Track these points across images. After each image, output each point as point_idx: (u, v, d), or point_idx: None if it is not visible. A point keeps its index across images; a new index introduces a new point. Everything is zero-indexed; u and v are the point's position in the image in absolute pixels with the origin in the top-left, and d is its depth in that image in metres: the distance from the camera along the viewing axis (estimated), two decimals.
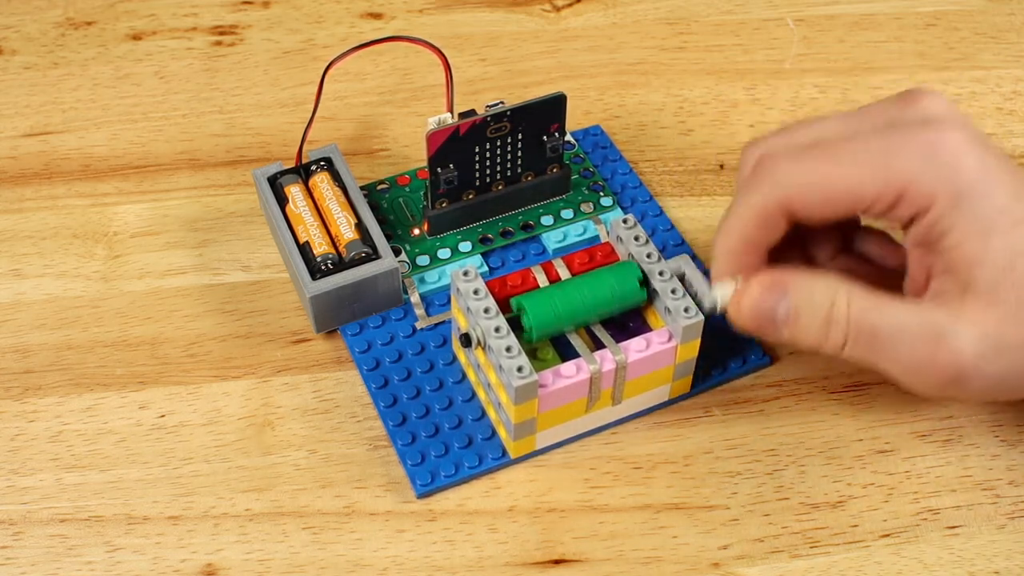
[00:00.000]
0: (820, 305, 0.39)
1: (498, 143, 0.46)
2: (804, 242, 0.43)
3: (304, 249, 0.45)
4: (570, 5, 0.60)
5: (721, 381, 0.45)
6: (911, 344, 0.38)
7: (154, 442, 0.43)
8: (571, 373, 0.40)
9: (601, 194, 0.50)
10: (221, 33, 0.58)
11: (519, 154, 0.47)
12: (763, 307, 0.39)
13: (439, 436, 0.43)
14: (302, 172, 0.47)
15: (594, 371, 0.40)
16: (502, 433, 0.42)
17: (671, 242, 0.49)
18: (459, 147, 0.45)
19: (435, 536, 0.41)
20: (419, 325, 0.46)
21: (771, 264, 0.41)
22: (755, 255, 0.40)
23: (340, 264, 0.45)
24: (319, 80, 0.48)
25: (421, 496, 0.42)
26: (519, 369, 0.39)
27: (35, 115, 0.55)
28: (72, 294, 0.48)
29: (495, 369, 0.40)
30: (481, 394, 0.43)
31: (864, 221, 0.43)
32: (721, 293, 0.40)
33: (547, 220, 0.49)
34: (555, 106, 0.46)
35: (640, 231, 0.42)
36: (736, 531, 0.41)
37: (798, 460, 0.43)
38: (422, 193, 0.49)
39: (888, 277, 0.42)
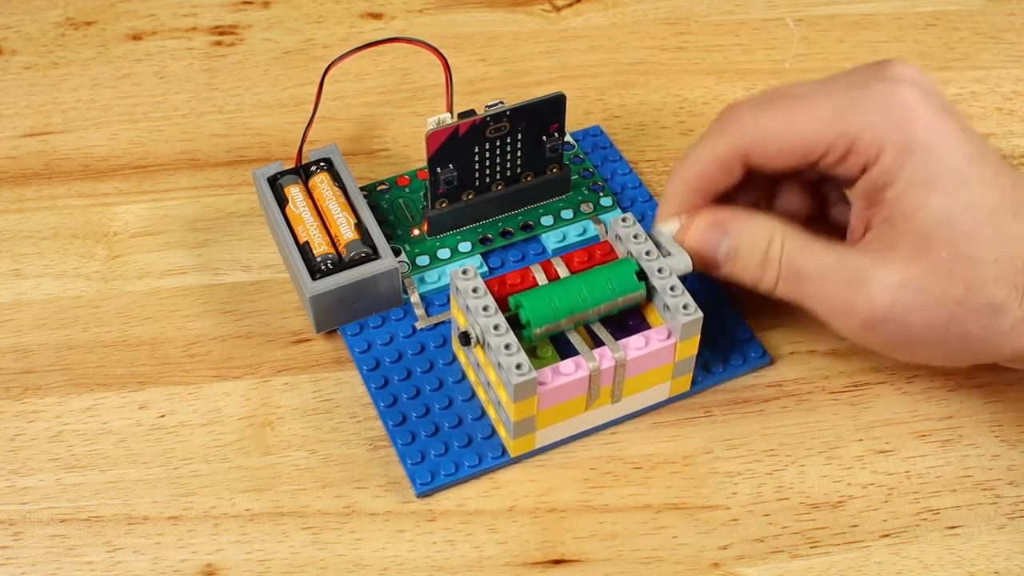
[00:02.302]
0: (757, 245, 0.40)
1: (498, 143, 0.46)
2: (772, 207, 0.45)
3: (304, 249, 0.45)
4: (570, 5, 0.60)
5: (721, 380, 0.45)
6: (832, 285, 0.39)
7: (154, 442, 0.43)
8: (570, 370, 0.40)
9: (601, 194, 0.50)
10: (221, 33, 0.58)
11: (519, 154, 0.47)
12: (705, 244, 0.41)
13: (439, 435, 0.43)
14: (302, 172, 0.47)
15: (593, 368, 0.40)
16: (502, 432, 0.42)
17: None
18: (459, 147, 0.45)
19: (435, 536, 0.41)
20: (419, 325, 0.46)
21: (715, 204, 0.42)
22: (705, 198, 0.42)
23: (340, 264, 0.45)
24: (319, 80, 0.48)
25: (421, 495, 0.42)
26: (518, 366, 0.39)
27: (35, 115, 0.55)
28: (72, 294, 0.48)
29: (494, 367, 0.40)
30: (481, 393, 0.43)
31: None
32: (667, 230, 0.42)
33: (547, 220, 0.49)
34: (555, 106, 0.46)
35: (639, 229, 0.42)
36: (736, 531, 0.41)
37: (798, 460, 0.43)
38: (422, 193, 0.49)
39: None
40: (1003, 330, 0.38)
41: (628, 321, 0.43)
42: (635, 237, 0.42)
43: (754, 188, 0.44)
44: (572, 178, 0.49)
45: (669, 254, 0.42)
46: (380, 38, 0.49)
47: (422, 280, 0.47)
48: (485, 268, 0.47)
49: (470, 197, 0.47)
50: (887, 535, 0.41)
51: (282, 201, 0.46)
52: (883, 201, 0.39)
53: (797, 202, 0.44)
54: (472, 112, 0.45)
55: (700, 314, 0.40)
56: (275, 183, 0.47)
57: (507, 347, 0.39)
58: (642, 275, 0.42)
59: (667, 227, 0.42)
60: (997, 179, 0.38)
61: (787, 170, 0.41)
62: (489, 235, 0.48)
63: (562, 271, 0.42)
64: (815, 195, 0.45)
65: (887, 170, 0.39)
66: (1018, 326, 0.38)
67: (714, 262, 0.41)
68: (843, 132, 0.39)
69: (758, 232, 0.40)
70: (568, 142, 0.51)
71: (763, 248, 0.40)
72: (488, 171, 0.47)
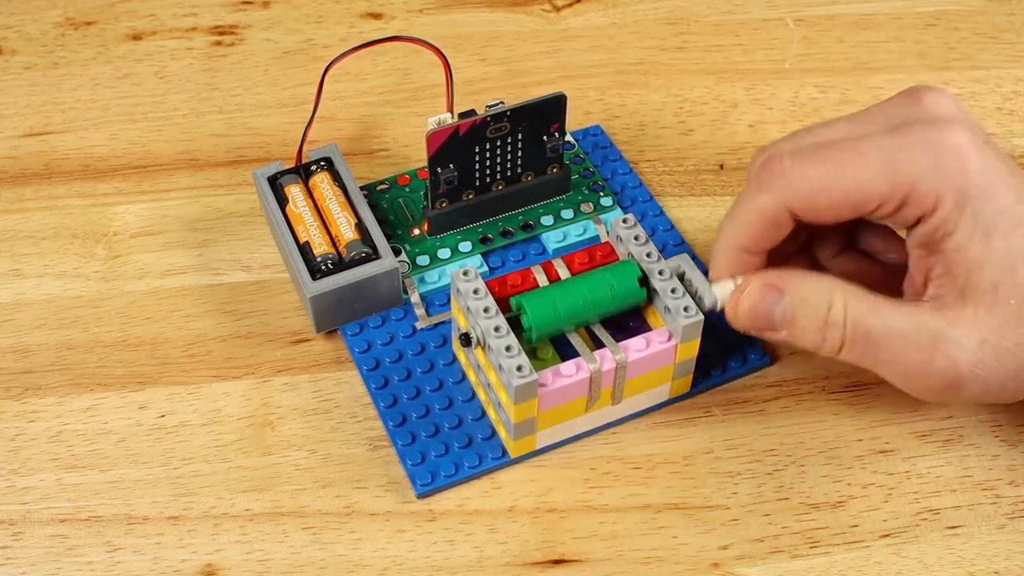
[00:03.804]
0: (817, 307, 0.39)
1: (498, 143, 0.46)
2: (807, 240, 0.43)
3: (304, 249, 0.45)
4: (570, 5, 0.60)
5: (721, 381, 0.45)
6: (907, 349, 0.38)
7: (154, 442, 0.43)
8: (571, 372, 0.40)
9: (601, 194, 0.50)
10: (221, 33, 0.58)
11: (519, 154, 0.47)
12: (760, 308, 0.39)
13: (439, 436, 0.43)
14: (302, 172, 0.47)
15: (594, 370, 0.40)
16: (502, 433, 0.42)
17: (671, 242, 0.49)
18: (459, 147, 0.45)
19: (435, 536, 0.41)
20: (419, 325, 0.46)
21: (771, 263, 0.41)
22: (756, 255, 0.41)
23: (340, 264, 0.45)
24: (319, 80, 0.48)
25: (421, 496, 0.42)
26: (519, 368, 0.39)
27: (35, 115, 0.55)
28: (72, 294, 0.48)
29: (495, 369, 0.40)
30: (481, 394, 0.43)
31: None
32: (720, 292, 0.40)
33: (547, 220, 0.49)
34: (555, 106, 0.46)
35: (640, 231, 0.42)
36: (736, 531, 0.41)
37: (798, 460, 0.43)
38: (422, 193, 0.49)
39: (890, 274, 0.42)
40: None
41: (629, 323, 0.43)
42: (636, 238, 0.42)
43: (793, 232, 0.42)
44: (572, 178, 0.49)
45: (696, 291, 0.41)
46: (380, 37, 0.49)
47: (422, 280, 0.47)
48: (485, 268, 0.47)
49: (470, 197, 0.47)
50: (887, 535, 0.41)
51: (282, 201, 0.46)
52: (944, 251, 0.38)
53: (830, 238, 0.43)
54: (472, 112, 0.45)
55: (701, 316, 0.40)
56: (275, 183, 0.47)
57: (508, 349, 0.39)
58: (643, 277, 0.42)
59: (721, 290, 0.41)
60: None
61: (837, 222, 0.40)
62: (489, 235, 0.48)
63: (563, 272, 0.42)
64: (845, 227, 0.43)
65: (947, 219, 0.37)
66: None
67: (770, 327, 0.39)
68: (897, 184, 0.38)
69: (818, 294, 0.39)
70: (568, 142, 0.51)
71: (824, 311, 0.38)
72: (488, 171, 0.47)
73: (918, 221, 0.38)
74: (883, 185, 0.38)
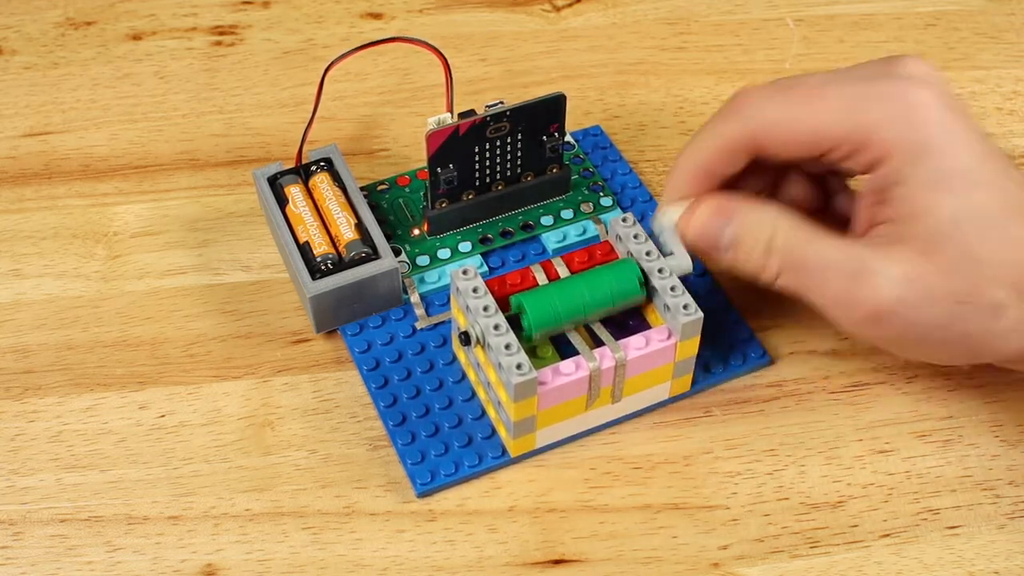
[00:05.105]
0: (760, 234, 0.40)
1: (498, 143, 0.46)
2: (775, 197, 0.44)
3: (304, 249, 0.45)
4: (570, 5, 0.60)
5: (721, 380, 0.45)
6: (836, 277, 0.39)
7: (154, 442, 0.43)
8: (570, 371, 0.40)
9: (601, 194, 0.50)
10: (221, 33, 0.58)
11: (519, 154, 0.47)
12: (708, 230, 0.41)
13: (439, 435, 0.43)
14: (302, 172, 0.47)
15: (593, 368, 0.40)
16: (502, 432, 0.42)
17: None
18: (459, 147, 0.45)
19: (435, 536, 0.41)
20: (419, 325, 0.46)
21: (721, 190, 0.42)
22: (710, 183, 0.42)
23: (340, 264, 0.45)
24: (319, 80, 0.48)
25: (421, 495, 0.42)
26: (518, 366, 0.39)
27: (35, 115, 0.55)
28: (72, 294, 0.48)
29: (494, 367, 0.40)
30: (481, 393, 0.43)
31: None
32: (670, 214, 0.42)
33: (547, 220, 0.49)
34: (555, 106, 0.46)
35: (639, 229, 0.42)
36: (736, 531, 0.41)
37: (798, 460, 0.43)
38: (422, 193, 0.49)
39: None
40: (1003, 330, 0.38)
41: (628, 321, 0.43)
42: (635, 237, 0.42)
43: (759, 176, 0.43)
44: (572, 178, 0.49)
45: (671, 253, 0.42)
46: (380, 38, 0.49)
47: (422, 280, 0.47)
48: (485, 268, 0.47)
49: (470, 197, 0.47)
50: (887, 535, 0.41)
51: (282, 201, 0.46)
52: (891, 199, 0.39)
53: (801, 192, 0.44)
54: (472, 112, 0.45)
55: (700, 314, 0.40)
56: (275, 183, 0.47)
57: (507, 347, 0.39)
58: (643, 275, 0.42)
59: (671, 211, 0.42)
60: (1006, 181, 0.38)
61: (793, 160, 0.41)
62: (489, 235, 0.48)
63: (562, 271, 0.42)
64: (818, 185, 0.44)
65: (897, 169, 0.38)
66: (1018, 327, 0.38)
67: (716, 249, 0.41)
68: (854, 128, 0.39)
69: (761, 221, 0.40)
70: (568, 142, 0.51)
71: (766, 238, 0.40)
72: (488, 171, 0.47)
73: (871, 168, 0.39)
74: (840, 127, 0.39)
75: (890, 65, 0.40)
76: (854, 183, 0.44)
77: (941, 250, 0.38)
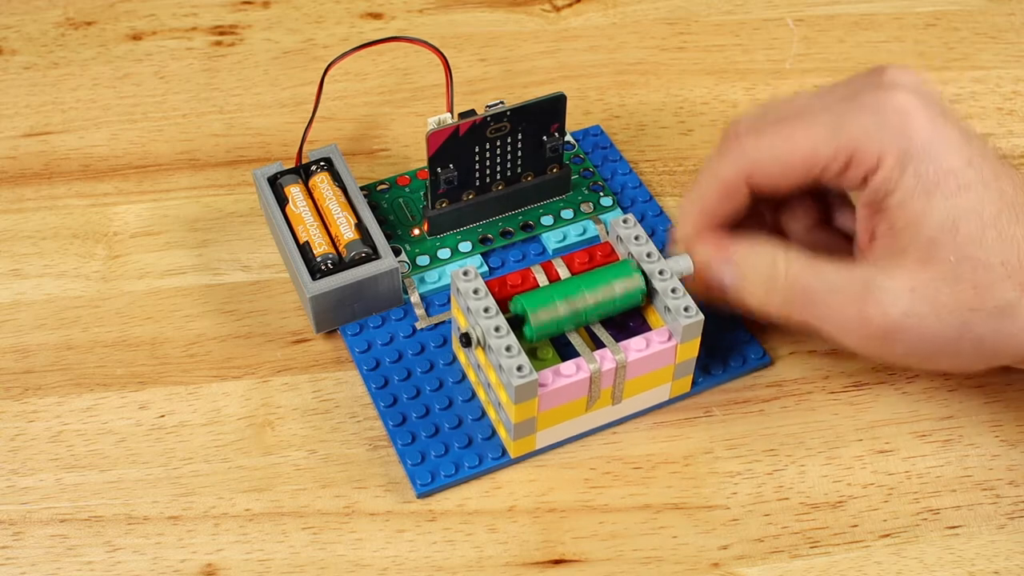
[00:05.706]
0: (761, 270, 0.40)
1: (498, 143, 0.46)
2: (778, 216, 0.44)
3: (304, 249, 0.45)
4: (570, 5, 0.60)
5: (721, 381, 0.45)
6: (842, 302, 0.39)
7: (154, 442, 0.43)
8: (571, 372, 0.40)
9: (601, 194, 0.50)
10: (221, 33, 0.58)
11: (519, 154, 0.47)
12: (709, 274, 0.41)
13: (439, 436, 0.43)
14: (302, 172, 0.47)
15: (594, 370, 0.40)
16: (502, 433, 0.42)
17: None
18: (459, 147, 0.45)
19: (435, 536, 0.41)
20: (419, 325, 0.46)
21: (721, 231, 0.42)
22: (715, 224, 0.42)
23: (340, 264, 0.45)
24: (319, 80, 0.48)
25: (421, 496, 0.42)
26: (519, 368, 0.39)
27: (35, 115, 0.55)
28: (72, 294, 0.48)
29: (495, 369, 0.40)
30: (481, 394, 0.43)
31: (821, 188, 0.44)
32: (676, 265, 0.42)
33: (547, 220, 0.49)
34: (555, 106, 0.46)
35: (639, 230, 0.42)
36: (736, 531, 0.41)
37: (798, 460, 0.43)
38: (422, 193, 0.49)
39: None
40: (1013, 331, 0.38)
41: (629, 323, 0.43)
42: (636, 238, 0.42)
43: (761, 206, 0.43)
44: (572, 178, 0.49)
45: (671, 255, 0.42)
46: (380, 38, 0.49)
47: (422, 280, 0.47)
48: (485, 268, 0.47)
49: (470, 197, 0.47)
50: (887, 535, 0.41)
51: (282, 201, 0.46)
52: (887, 209, 0.39)
53: (802, 212, 0.44)
54: (472, 112, 0.45)
55: (701, 316, 0.40)
56: (275, 183, 0.47)
57: (508, 349, 0.39)
58: (643, 277, 0.42)
59: (676, 263, 0.42)
60: (998, 180, 0.38)
61: (792, 188, 0.41)
62: (489, 235, 0.48)
63: (563, 272, 0.42)
64: (820, 203, 0.44)
65: (888, 178, 0.38)
66: None
67: (721, 292, 0.41)
68: (841, 145, 0.39)
69: (761, 256, 0.40)
70: (568, 142, 0.52)
71: (767, 272, 0.40)
72: (488, 171, 0.47)
73: (864, 181, 0.39)
74: (828, 147, 0.39)
75: (872, 76, 0.40)
76: (854, 196, 0.44)
77: (939, 256, 0.38)
